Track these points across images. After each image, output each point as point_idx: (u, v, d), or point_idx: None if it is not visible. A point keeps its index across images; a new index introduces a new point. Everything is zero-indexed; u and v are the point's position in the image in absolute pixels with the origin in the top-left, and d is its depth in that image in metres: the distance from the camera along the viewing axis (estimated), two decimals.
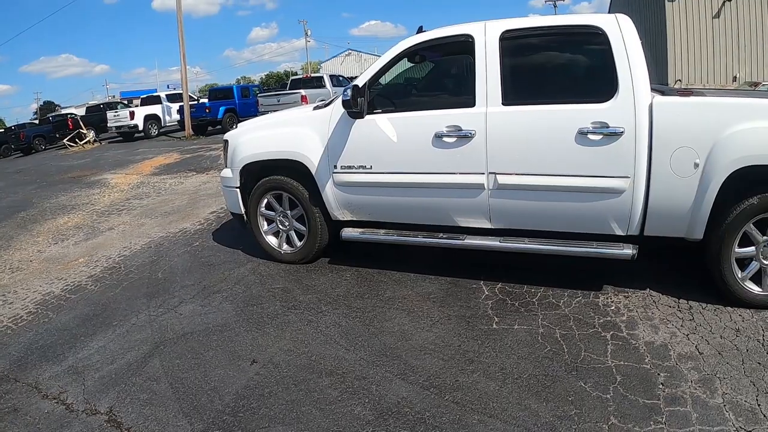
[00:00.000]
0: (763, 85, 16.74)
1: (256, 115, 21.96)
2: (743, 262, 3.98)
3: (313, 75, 28.09)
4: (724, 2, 19.87)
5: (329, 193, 5.10)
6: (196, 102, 26.88)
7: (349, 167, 4.91)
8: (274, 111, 18.14)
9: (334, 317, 4.44)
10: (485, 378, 3.44)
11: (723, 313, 3.94)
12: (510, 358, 3.63)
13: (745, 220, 3.83)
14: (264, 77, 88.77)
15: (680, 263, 4.78)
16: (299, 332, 4.25)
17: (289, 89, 23.55)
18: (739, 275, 3.96)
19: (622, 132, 3.91)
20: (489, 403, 3.20)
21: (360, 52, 76.39)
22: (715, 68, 20.63)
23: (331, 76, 24.70)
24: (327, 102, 5.37)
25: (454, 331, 4.05)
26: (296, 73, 65.13)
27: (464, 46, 4.51)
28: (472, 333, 3.99)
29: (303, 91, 21.37)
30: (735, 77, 20.46)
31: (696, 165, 3.78)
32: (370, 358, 3.79)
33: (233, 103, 25.10)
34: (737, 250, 3.93)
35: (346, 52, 77.30)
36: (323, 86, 23.04)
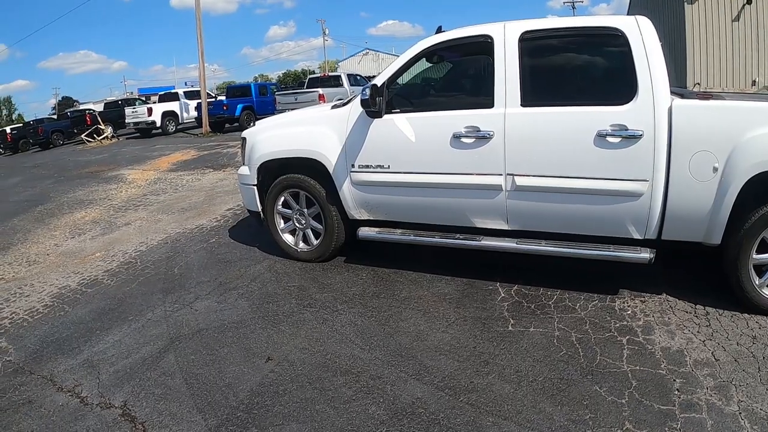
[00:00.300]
0: None
1: (274, 113, 22.12)
2: (761, 269, 3.92)
3: (330, 74, 28.10)
4: (743, 5, 19.63)
5: (346, 192, 5.09)
6: (213, 99, 26.98)
7: (367, 166, 4.90)
8: (292, 109, 18.30)
9: (350, 316, 4.43)
10: (500, 380, 3.42)
11: (740, 319, 3.88)
12: (525, 360, 3.61)
13: (764, 226, 3.78)
14: (281, 75, 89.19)
15: (696, 268, 4.73)
16: (314, 330, 4.25)
17: (307, 88, 23.56)
18: (757, 282, 3.90)
19: (641, 135, 3.87)
20: (504, 405, 3.18)
21: (378, 51, 76.54)
22: (735, 72, 20.38)
23: (349, 75, 24.67)
24: (345, 101, 5.37)
25: (470, 332, 4.03)
26: (314, 72, 65.24)
27: (483, 46, 4.48)
28: (488, 335, 3.97)
29: (320, 90, 21.39)
30: (754, 81, 20.20)
31: (715, 169, 3.73)
32: (385, 358, 3.78)
33: (251, 101, 25.20)
34: (755, 256, 3.86)
35: (364, 52, 77.35)
36: (341, 85, 22.99)
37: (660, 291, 4.39)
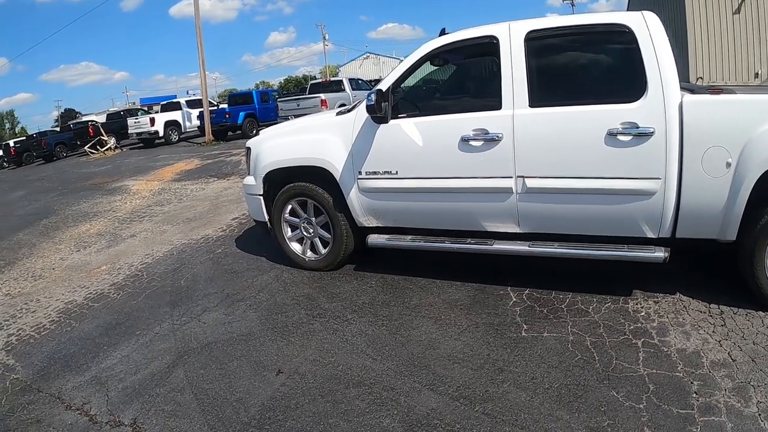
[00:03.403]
0: None
1: (276, 120, 22.14)
2: None
3: (332, 79, 28.11)
4: None
5: (354, 199, 5.03)
6: (215, 107, 26.98)
7: (374, 173, 4.85)
8: (295, 115, 18.28)
9: (360, 325, 4.37)
10: (516, 388, 3.36)
11: (755, 318, 3.82)
12: (540, 367, 3.54)
13: None
14: (282, 82, 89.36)
15: (707, 265, 4.68)
16: (325, 341, 4.19)
17: (309, 93, 23.53)
18: None
19: (652, 132, 3.81)
20: (520, 414, 3.12)
21: (378, 55, 76.43)
22: (736, 65, 20.34)
23: (351, 80, 24.61)
24: (350, 107, 5.31)
25: (483, 339, 3.96)
26: (315, 77, 65.38)
27: (488, 47, 4.43)
28: (501, 341, 3.90)
29: (323, 95, 21.34)
30: (757, 73, 20.15)
31: (728, 164, 3.66)
32: (397, 368, 3.71)
33: (253, 108, 25.13)
34: None
35: (365, 55, 77.28)
36: (343, 90, 22.98)
37: (673, 290, 4.32)
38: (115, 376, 4.07)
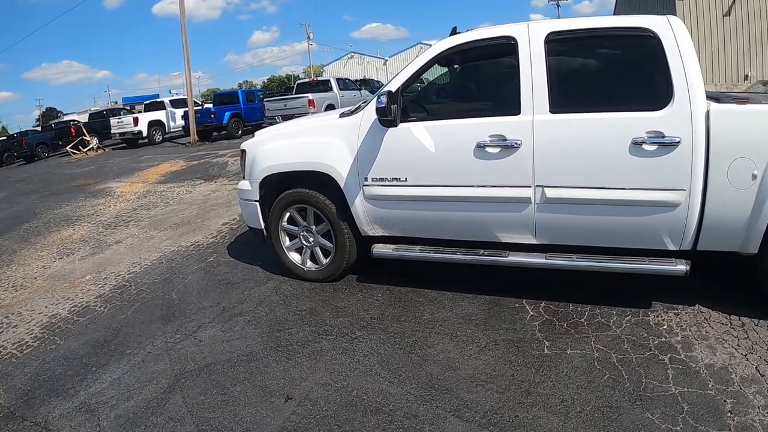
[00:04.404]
0: None
1: (263, 120, 21.85)
2: None
3: (319, 79, 27.80)
4: (734, 0, 19.75)
5: (359, 207, 4.78)
6: (200, 107, 26.64)
7: (381, 179, 4.60)
8: (281, 116, 17.99)
9: (371, 344, 4.11)
10: (546, 412, 3.16)
11: None
12: (569, 387, 3.35)
13: None
14: (266, 81, 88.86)
15: (724, 276, 4.59)
16: (335, 362, 3.91)
17: (296, 93, 23.24)
18: None
19: (678, 142, 3.68)
20: None
21: (363, 54, 76.45)
22: (727, 66, 20.59)
23: (338, 80, 24.35)
24: (354, 109, 5.05)
25: (504, 358, 3.74)
26: (299, 77, 65.13)
27: (506, 48, 4.22)
28: (524, 360, 3.70)
29: (310, 95, 21.03)
30: (747, 76, 20.37)
31: (754, 176, 3.58)
32: (417, 392, 3.46)
33: (238, 108, 24.88)
34: None
35: (349, 55, 77.26)
36: (330, 90, 22.72)
37: (692, 302, 4.22)
38: (107, 403, 3.74)
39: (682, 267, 3.93)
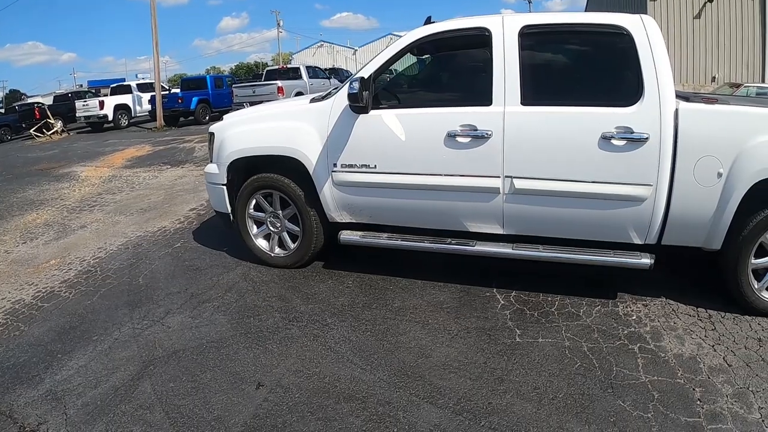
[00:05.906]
0: (745, 86, 16.93)
1: (231, 106, 21.59)
2: (758, 273, 3.98)
3: (289, 66, 27.57)
4: (705, 3, 20.10)
5: (327, 193, 4.76)
6: (168, 92, 26.20)
7: (351, 166, 4.58)
8: (250, 102, 17.79)
9: (343, 331, 4.10)
10: (519, 399, 3.21)
11: (742, 322, 3.92)
12: (541, 375, 3.41)
13: (762, 231, 3.83)
14: (234, 68, 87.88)
15: (688, 269, 4.78)
16: (306, 349, 3.89)
17: (265, 80, 23.03)
18: (756, 286, 3.96)
19: (646, 138, 3.78)
20: (529, 428, 2.98)
21: (332, 43, 76.05)
22: (694, 68, 21.01)
23: (308, 68, 24.23)
24: (325, 94, 5.00)
25: (476, 345, 3.78)
26: (267, 64, 64.54)
27: (480, 40, 4.24)
28: (496, 348, 3.74)
29: (279, 83, 20.89)
30: (714, 78, 20.79)
31: (719, 174, 3.72)
32: (390, 379, 3.46)
33: (206, 94, 24.59)
34: (753, 261, 3.92)
35: (318, 44, 76.92)
36: (300, 78, 22.64)
37: (658, 294, 4.37)
38: (73, 390, 3.64)
39: (646, 260, 4.03)
